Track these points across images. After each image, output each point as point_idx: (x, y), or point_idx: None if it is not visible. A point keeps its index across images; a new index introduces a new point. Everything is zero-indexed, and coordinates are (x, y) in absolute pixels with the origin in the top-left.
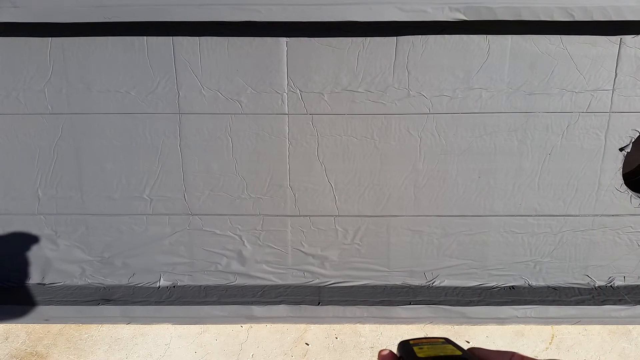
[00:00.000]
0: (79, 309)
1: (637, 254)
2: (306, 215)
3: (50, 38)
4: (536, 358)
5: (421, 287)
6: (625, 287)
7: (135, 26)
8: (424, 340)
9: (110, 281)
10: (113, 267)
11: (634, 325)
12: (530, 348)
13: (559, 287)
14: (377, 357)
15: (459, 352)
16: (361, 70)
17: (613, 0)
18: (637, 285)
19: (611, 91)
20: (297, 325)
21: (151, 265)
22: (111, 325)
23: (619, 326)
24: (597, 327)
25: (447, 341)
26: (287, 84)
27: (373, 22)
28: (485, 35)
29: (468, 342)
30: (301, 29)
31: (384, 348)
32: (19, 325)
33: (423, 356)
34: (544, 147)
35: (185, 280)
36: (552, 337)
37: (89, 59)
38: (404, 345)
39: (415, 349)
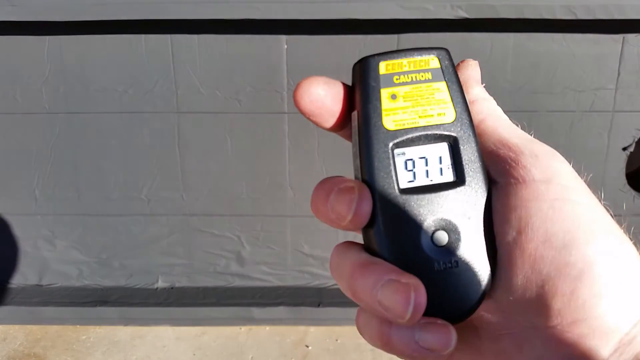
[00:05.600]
0: (76, 311)
1: None
2: (306, 216)
3: (47, 37)
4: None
5: None
6: None
7: (132, 24)
8: (403, 65)
9: (107, 282)
10: (110, 268)
11: None
12: None
13: None
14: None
15: (452, 119)
16: None
17: None
18: None
19: (614, 90)
20: (297, 327)
21: (149, 267)
22: (109, 327)
23: None
24: None
25: (442, 71)
26: (287, 83)
27: (374, 20)
28: (487, 34)
29: None
30: (301, 26)
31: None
32: (17, 327)
33: (393, 129)
34: None
35: (183, 282)
36: None
37: (87, 58)
38: (367, 80)
39: (385, 106)
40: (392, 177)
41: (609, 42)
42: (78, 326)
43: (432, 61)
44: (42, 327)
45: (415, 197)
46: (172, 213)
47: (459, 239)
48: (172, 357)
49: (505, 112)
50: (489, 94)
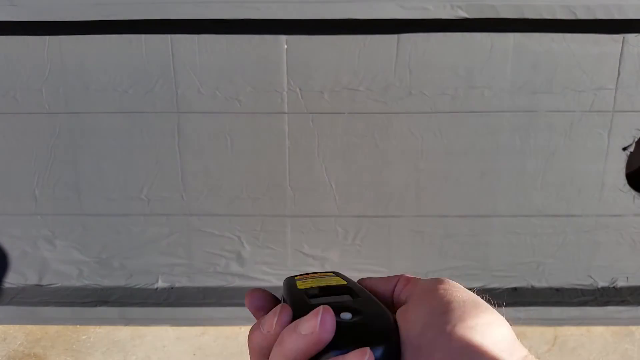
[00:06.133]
0: (76, 311)
1: None
2: (306, 216)
3: (47, 37)
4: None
5: None
6: (628, 288)
7: (132, 24)
8: (311, 274)
9: (107, 282)
10: (110, 268)
11: (636, 327)
12: (532, 349)
13: (562, 288)
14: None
15: (344, 282)
16: (362, 69)
17: None
18: None
19: (614, 90)
20: None
21: (149, 267)
22: (109, 327)
23: (622, 327)
24: (600, 329)
25: (336, 274)
26: (287, 83)
27: (374, 20)
28: (487, 33)
29: None
30: (301, 26)
31: (257, 288)
32: (17, 327)
33: (304, 287)
34: (547, 147)
35: (183, 282)
36: (555, 339)
37: (87, 58)
38: (288, 281)
39: (298, 282)
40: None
41: (609, 42)
42: (78, 326)
43: (329, 274)
44: (42, 327)
45: (319, 299)
46: (172, 213)
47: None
48: (172, 357)
49: (505, 112)
50: (489, 94)
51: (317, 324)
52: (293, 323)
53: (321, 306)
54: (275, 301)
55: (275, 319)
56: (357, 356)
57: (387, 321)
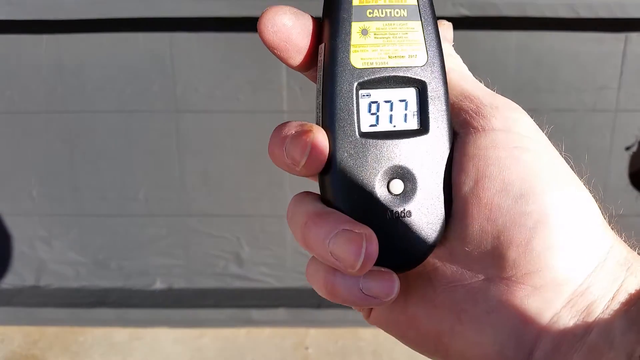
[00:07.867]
0: (73, 312)
1: None
2: None
3: (44, 35)
4: None
5: None
6: None
7: (130, 22)
8: None
9: (105, 284)
10: (108, 269)
11: None
12: None
13: None
14: None
15: (422, 62)
16: None
17: None
18: None
19: (617, 89)
20: (297, 329)
21: (147, 268)
22: (107, 329)
23: None
24: None
25: (421, 5)
26: (286, 82)
27: None
28: (489, 32)
29: None
30: None
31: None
32: (15, 328)
33: (359, 51)
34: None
35: (181, 283)
36: None
37: (84, 57)
38: None
39: (354, 24)
40: (353, 118)
41: (612, 40)
42: (76, 327)
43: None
44: (39, 329)
45: (375, 142)
46: (170, 213)
47: (414, 189)
48: (170, 359)
49: None
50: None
51: (360, 259)
52: (326, 232)
53: (365, 234)
54: (310, 33)
55: (307, 152)
56: (382, 285)
57: (433, 232)
